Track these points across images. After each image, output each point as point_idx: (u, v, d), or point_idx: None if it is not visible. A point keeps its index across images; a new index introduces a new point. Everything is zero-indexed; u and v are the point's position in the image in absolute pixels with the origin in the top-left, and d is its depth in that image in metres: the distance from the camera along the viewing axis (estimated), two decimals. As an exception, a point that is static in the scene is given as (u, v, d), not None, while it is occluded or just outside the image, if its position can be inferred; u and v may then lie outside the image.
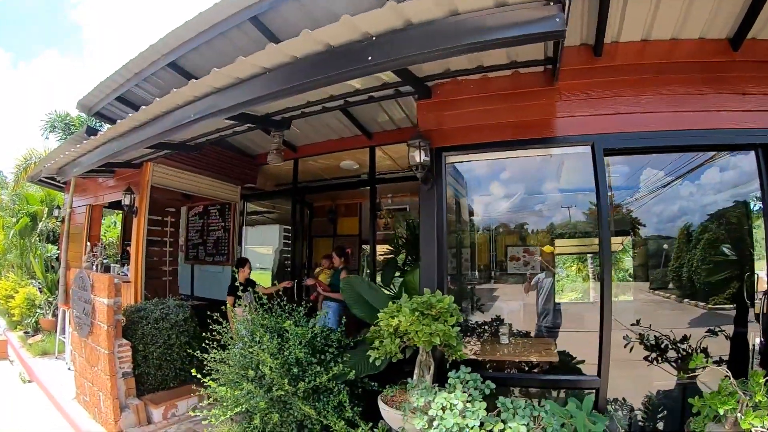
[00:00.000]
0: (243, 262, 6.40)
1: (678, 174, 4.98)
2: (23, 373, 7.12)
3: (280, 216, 9.81)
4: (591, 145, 3.70)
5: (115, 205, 9.35)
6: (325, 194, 9.49)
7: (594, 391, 3.56)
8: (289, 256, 9.43)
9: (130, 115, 4.25)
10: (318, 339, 3.94)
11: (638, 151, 3.96)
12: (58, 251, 11.15)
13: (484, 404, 2.92)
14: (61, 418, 5.45)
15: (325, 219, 10.38)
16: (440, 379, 3.48)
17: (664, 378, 4.27)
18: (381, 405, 3.40)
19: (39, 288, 9.10)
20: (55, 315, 8.54)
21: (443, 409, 2.88)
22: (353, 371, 3.64)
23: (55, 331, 8.30)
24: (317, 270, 7.27)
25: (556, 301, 5.86)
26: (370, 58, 2.83)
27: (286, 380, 3.44)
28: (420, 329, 3.13)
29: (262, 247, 9.13)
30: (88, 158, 5.66)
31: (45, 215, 11.16)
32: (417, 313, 3.22)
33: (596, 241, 3.71)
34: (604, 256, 3.60)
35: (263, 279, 8.72)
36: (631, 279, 6.00)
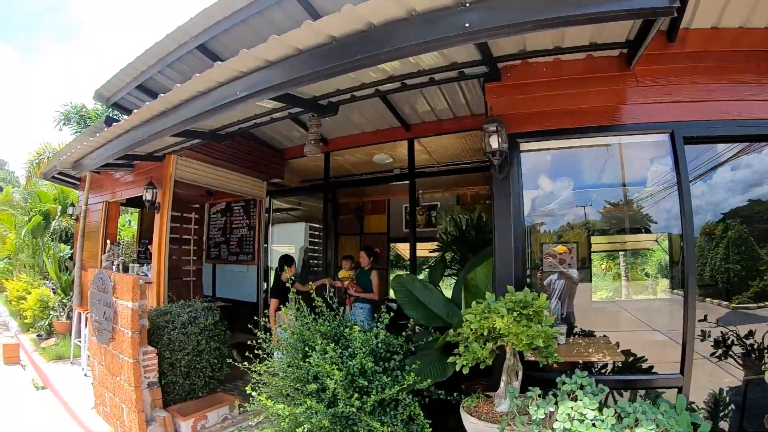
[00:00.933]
0: (289, 261, 5.91)
1: (704, 169, 4.60)
2: (36, 379, 6.61)
3: (305, 213, 9.33)
4: (670, 132, 3.49)
5: (133, 202, 8.86)
6: (352, 191, 9.03)
7: (676, 389, 3.33)
8: (316, 255, 8.94)
9: (161, 95, 3.72)
10: (380, 345, 3.42)
11: (715, 140, 3.76)
12: (72, 251, 10.67)
13: (611, 411, 2.47)
14: (79, 430, 4.94)
15: (352, 216, 9.93)
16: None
17: (727, 375, 3.98)
18: (466, 417, 2.90)
19: (52, 289, 8.60)
20: (69, 317, 8.03)
21: (571, 419, 2.42)
22: (427, 380, 3.16)
23: (70, 335, 7.79)
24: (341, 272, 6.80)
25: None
26: (467, 24, 2.45)
27: (353, 394, 2.92)
28: (521, 331, 2.72)
29: (285, 245, 8.60)
30: (108, 149, 5.15)
31: (58, 213, 10.66)
32: (515, 313, 2.80)
33: (629, 238, 3.83)
34: (687, 254, 3.46)
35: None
36: (651, 277, 5.53)
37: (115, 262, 5.34)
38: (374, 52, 2.76)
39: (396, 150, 7.11)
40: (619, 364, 3.83)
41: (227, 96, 3.45)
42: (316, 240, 9.13)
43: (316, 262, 9.10)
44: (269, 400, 3.17)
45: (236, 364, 3.81)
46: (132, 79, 6.24)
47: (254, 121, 4.86)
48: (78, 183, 9.29)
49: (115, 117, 8.78)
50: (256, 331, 3.76)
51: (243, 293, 7.41)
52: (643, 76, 3.54)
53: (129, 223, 12.89)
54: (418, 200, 8.42)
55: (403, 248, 10.35)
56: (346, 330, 3.42)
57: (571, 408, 2.51)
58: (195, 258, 6.69)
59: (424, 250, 9.84)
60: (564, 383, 2.82)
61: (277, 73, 3.18)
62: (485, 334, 2.82)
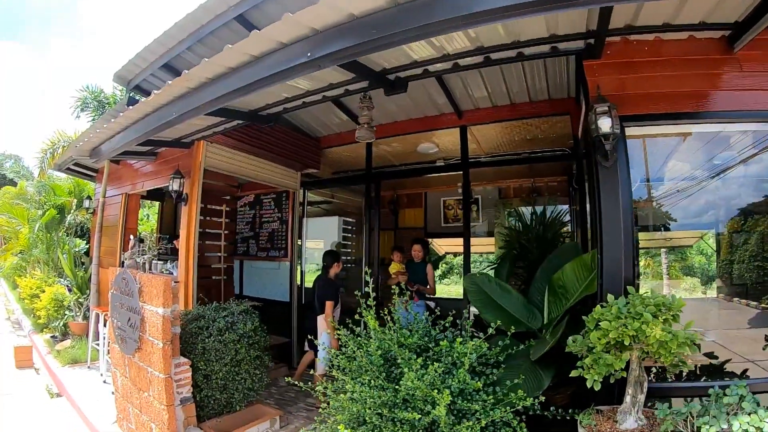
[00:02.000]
0: (336, 257, 5.34)
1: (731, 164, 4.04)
2: (51, 386, 5.97)
3: (336, 207, 8.65)
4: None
5: (152, 195, 8.22)
6: (386, 183, 8.31)
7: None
8: (348, 250, 8.28)
9: (204, 59, 3.03)
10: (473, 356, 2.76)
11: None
12: (87, 246, 10.05)
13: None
14: (100, 450, 4.30)
15: (386, 210, 9.31)
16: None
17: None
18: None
19: (68, 287, 7.97)
20: (86, 318, 7.39)
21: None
22: (535, 398, 2.63)
23: (86, 336, 7.15)
24: (392, 266, 6.25)
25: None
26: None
27: (458, 421, 2.35)
28: (669, 339, 2.28)
29: (316, 240, 7.92)
30: (132, 132, 4.47)
31: (74, 207, 10.03)
32: (662, 319, 2.35)
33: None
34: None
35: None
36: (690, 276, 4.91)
37: (143, 261, 4.65)
38: (472, 11, 2.17)
39: (441, 138, 6.42)
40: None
41: (288, 60, 2.78)
42: (349, 235, 8.46)
43: (348, 258, 8.43)
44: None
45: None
46: (157, 58, 5.55)
47: (303, 99, 4.17)
48: (94, 175, 8.65)
49: (139, 100, 8.11)
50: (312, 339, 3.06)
51: (274, 292, 6.73)
52: (748, 60, 3.19)
53: (147, 217, 12.25)
54: (471, 193, 7.65)
55: (439, 244, 9.74)
56: (456, 345, 2.78)
57: (748, 422, 2.13)
58: (225, 255, 6.00)
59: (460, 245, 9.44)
60: (723, 395, 2.39)
61: (352, 33, 2.52)
62: (626, 343, 2.36)
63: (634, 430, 2.43)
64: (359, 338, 3.01)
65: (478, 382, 2.60)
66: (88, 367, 6.41)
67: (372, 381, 2.68)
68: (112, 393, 5.19)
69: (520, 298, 3.91)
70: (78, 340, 7.05)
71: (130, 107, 4.01)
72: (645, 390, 2.54)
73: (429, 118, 6.05)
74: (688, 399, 2.74)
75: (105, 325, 5.94)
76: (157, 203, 9.67)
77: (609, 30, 3.05)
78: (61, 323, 7.34)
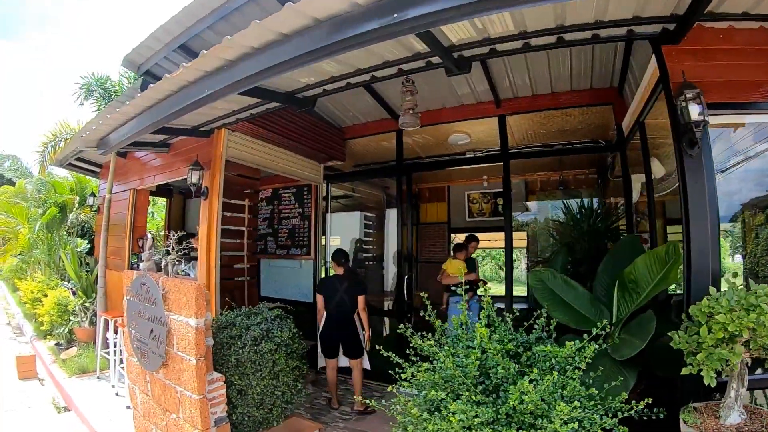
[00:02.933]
0: (347, 256, 5.02)
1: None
2: (57, 399, 5.38)
3: (356, 202, 8.10)
4: None
5: (160, 191, 7.63)
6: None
7: None
8: (368, 247, 7.73)
9: (255, 22, 2.46)
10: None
11: None
12: (89, 245, 9.42)
13: None
14: (117, 476, 3.74)
15: (407, 205, 8.70)
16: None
17: None
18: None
19: (72, 290, 7.35)
20: (93, 323, 6.80)
21: None
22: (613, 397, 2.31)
23: (94, 344, 6.56)
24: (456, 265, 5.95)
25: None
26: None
27: None
28: None
29: (333, 237, 7.33)
30: (147, 117, 3.87)
31: (76, 205, 9.38)
32: None
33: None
34: None
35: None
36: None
37: (165, 263, 4.04)
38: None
39: (474, 129, 5.89)
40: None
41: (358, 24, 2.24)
42: (370, 231, 7.93)
43: (368, 255, 7.89)
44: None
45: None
46: (173, 39, 4.96)
47: (348, 80, 3.61)
48: (98, 171, 8.03)
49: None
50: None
51: (295, 292, 6.15)
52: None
53: (152, 215, 11.59)
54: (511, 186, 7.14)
55: (461, 239, 9.24)
56: (519, 348, 2.44)
57: None
58: (249, 253, 5.42)
59: (488, 240, 9.08)
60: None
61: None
62: (744, 335, 2.20)
63: (738, 425, 2.33)
64: (444, 347, 2.48)
65: (591, 389, 2.27)
66: (98, 378, 5.83)
67: (470, 396, 2.16)
68: (128, 408, 4.65)
69: (586, 295, 3.53)
70: (85, 348, 6.45)
71: (152, 86, 3.41)
72: (746, 383, 2.38)
73: (465, 106, 5.54)
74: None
75: (115, 333, 5.36)
76: (163, 200, 9.05)
77: (694, 15, 2.81)
78: (66, 329, 6.73)
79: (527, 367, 2.38)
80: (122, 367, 5.23)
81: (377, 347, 2.87)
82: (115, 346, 5.53)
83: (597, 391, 2.31)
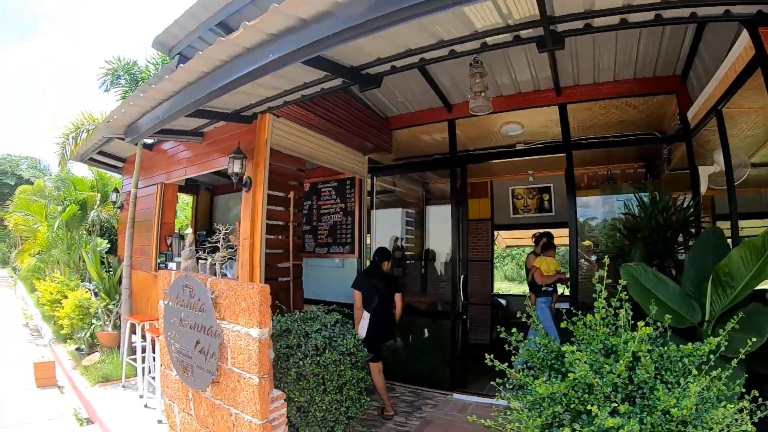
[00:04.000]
0: (389, 254, 4.79)
1: None
2: (80, 410, 4.84)
3: (398, 198, 7.58)
4: None
5: (186, 188, 7.11)
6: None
7: None
8: (409, 245, 7.29)
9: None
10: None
11: None
12: (108, 245, 8.91)
13: None
14: None
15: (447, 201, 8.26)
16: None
17: None
18: None
19: (93, 291, 6.84)
20: (117, 327, 6.27)
21: None
22: None
23: (118, 349, 6.03)
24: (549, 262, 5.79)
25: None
26: None
27: None
28: None
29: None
30: (184, 97, 3.36)
31: (97, 202, 8.89)
32: None
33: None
34: None
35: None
36: None
37: (212, 262, 3.45)
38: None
39: (527, 119, 5.39)
40: None
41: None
42: (411, 228, 7.45)
43: (408, 254, 7.40)
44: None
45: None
46: (210, 16, 4.43)
47: (423, 54, 3.08)
48: (121, 166, 7.54)
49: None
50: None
51: (336, 293, 5.58)
52: None
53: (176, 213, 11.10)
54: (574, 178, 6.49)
55: (504, 236, 8.76)
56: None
57: None
58: (294, 251, 4.85)
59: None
60: None
61: None
62: None
63: None
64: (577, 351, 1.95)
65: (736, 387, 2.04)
66: (123, 387, 5.29)
67: (605, 407, 1.80)
68: (159, 422, 4.12)
69: (677, 290, 3.17)
70: (108, 354, 5.92)
71: (201, 52, 2.87)
72: None
73: (523, 95, 5.09)
74: None
75: (143, 339, 4.83)
76: (187, 197, 8.56)
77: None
78: (88, 333, 6.20)
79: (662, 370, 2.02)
80: (152, 377, 4.70)
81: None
82: (143, 352, 5.02)
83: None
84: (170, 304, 3.08)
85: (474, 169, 7.49)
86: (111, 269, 7.23)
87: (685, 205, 4.38)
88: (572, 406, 1.94)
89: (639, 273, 3.26)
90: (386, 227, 6.76)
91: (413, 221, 7.42)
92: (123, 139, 4.63)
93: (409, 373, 5.38)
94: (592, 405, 1.83)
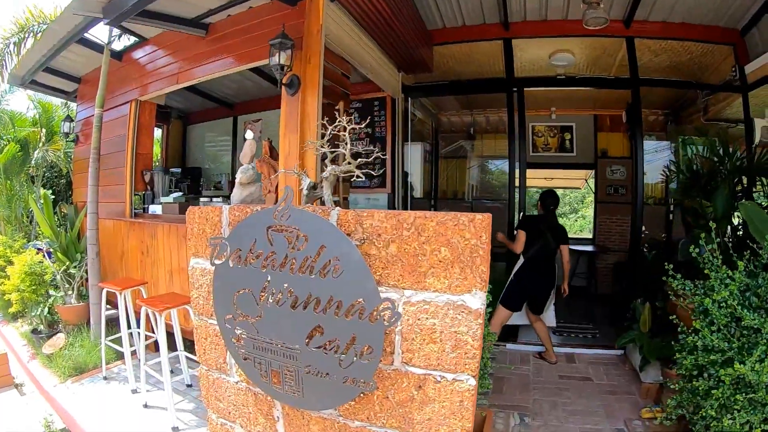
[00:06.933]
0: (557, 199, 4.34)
1: None
2: (51, 417, 3.32)
3: (416, 130, 6.60)
4: None
5: (158, 116, 5.26)
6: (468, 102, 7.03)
7: None
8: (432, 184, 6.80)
9: None
10: None
11: None
12: (52, 196, 6.93)
13: None
14: None
15: (461, 136, 7.70)
16: None
17: None
18: None
19: (47, 252, 5.08)
20: (83, 297, 4.67)
21: None
22: None
23: (87, 325, 4.48)
24: None
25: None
26: None
27: None
28: None
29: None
30: None
31: (42, 139, 6.81)
32: None
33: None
34: None
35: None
36: None
37: (325, 193, 1.92)
38: None
39: (584, 50, 5.00)
40: None
41: None
42: (427, 165, 6.82)
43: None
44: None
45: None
46: None
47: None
48: (72, 90, 5.64)
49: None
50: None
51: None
52: None
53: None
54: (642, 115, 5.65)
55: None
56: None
57: None
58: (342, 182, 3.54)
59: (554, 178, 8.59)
60: None
61: None
62: None
63: None
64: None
65: None
66: (104, 378, 3.82)
67: None
68: (174, 429, 2.79)
69: None
70: (76, 334, 4.32)
71: None
72: None
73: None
74: None
75: (137, 315, 3.39)
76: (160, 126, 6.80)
77: None
78: (45, 309, 4.48)
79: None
80: (204, 391, 3.30)
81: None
82: (129, 327, 3.60)
83: None
84: (232, 264, 1.62)
85: (491, 101, 6.82)
86: (66, 221, 5.47)
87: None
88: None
89: (753, 211, 2.93)
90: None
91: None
92: (101, 19, 2.96)
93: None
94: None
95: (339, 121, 1.75)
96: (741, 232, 3.50)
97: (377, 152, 1.86)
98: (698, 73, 5.10)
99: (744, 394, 2.04)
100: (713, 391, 2.15)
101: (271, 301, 1.51)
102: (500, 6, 4.30)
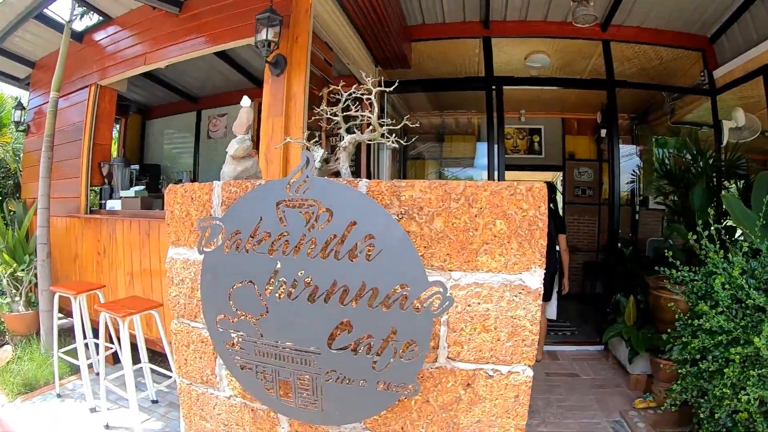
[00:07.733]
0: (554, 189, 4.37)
1: None
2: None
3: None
4: None
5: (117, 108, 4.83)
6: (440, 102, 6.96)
7: None
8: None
9: None
10: None
11: None
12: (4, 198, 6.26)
13: None
14: None
15: (431, 136, 7.66)
16: None
17: None
18: None
19: (-10, 254, 4.51)
20: (32, 304, 4.17)
21: None
22: None
23: (37, 335, 4.01)
24: None
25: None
26: None
27: None
28: None
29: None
30: None
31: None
32: None
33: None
34: None
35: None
36: None
37: (341, 166, 1.61)
38: None
39: (559, 52, 5.08)
40: None
41: None
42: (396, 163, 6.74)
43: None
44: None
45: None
46: None
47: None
48: (25, 77, 5.11)
49: None
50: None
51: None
52: None
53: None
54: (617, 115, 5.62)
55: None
56: None
57: None
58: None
59: (520, 180, 8.41)
60: None
61: None
62: None
63: None
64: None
65: None
66: (58, 396, 3.38)
67: None
68: None
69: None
70: (25, 347, 3.83)
71: None
72: None
73: (564, 24, 4.59)
74: None
75: (95, 324, 3.01)
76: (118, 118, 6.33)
77: None
78: (-14, 318, 4.01)
79: None
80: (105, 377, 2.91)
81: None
82: (85, 337, 3.22)
83: None
84: (228, 250, 1.36)
85: (459, 101, 6.87)
86: (14, 218, 4.92)
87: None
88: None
89: (734, 203, 3.15)
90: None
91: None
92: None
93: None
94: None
95: (352, 92, 1.54)
96: (721, 224, 3.68)
97: (405, 120, 1.64)
98: (667, 77, 5.29)
99: (756, 370, 2.07)
100: (725, 370, 2.16)
101: (280, 294, 1.27)
102: (482, 4, 4.26)
